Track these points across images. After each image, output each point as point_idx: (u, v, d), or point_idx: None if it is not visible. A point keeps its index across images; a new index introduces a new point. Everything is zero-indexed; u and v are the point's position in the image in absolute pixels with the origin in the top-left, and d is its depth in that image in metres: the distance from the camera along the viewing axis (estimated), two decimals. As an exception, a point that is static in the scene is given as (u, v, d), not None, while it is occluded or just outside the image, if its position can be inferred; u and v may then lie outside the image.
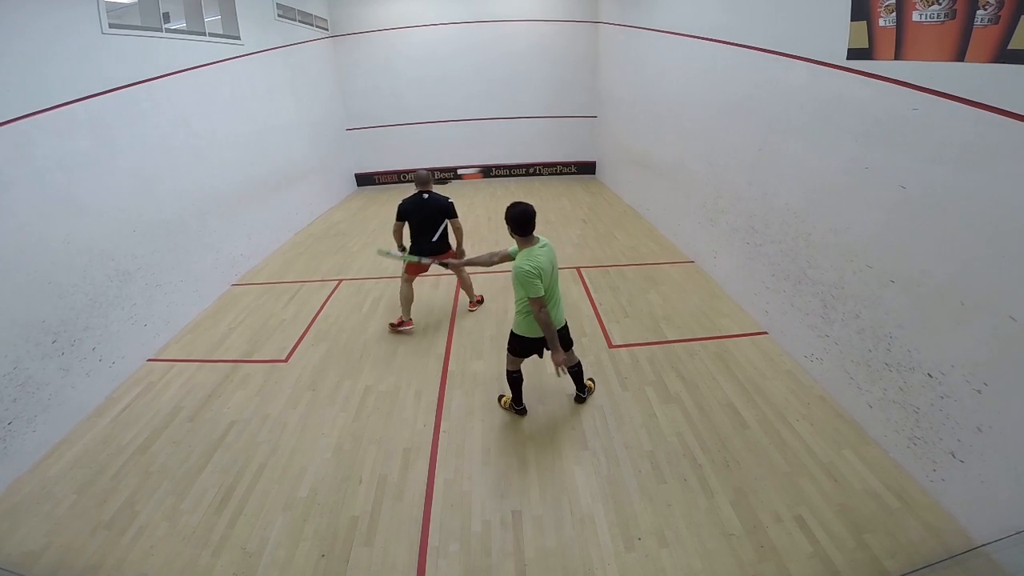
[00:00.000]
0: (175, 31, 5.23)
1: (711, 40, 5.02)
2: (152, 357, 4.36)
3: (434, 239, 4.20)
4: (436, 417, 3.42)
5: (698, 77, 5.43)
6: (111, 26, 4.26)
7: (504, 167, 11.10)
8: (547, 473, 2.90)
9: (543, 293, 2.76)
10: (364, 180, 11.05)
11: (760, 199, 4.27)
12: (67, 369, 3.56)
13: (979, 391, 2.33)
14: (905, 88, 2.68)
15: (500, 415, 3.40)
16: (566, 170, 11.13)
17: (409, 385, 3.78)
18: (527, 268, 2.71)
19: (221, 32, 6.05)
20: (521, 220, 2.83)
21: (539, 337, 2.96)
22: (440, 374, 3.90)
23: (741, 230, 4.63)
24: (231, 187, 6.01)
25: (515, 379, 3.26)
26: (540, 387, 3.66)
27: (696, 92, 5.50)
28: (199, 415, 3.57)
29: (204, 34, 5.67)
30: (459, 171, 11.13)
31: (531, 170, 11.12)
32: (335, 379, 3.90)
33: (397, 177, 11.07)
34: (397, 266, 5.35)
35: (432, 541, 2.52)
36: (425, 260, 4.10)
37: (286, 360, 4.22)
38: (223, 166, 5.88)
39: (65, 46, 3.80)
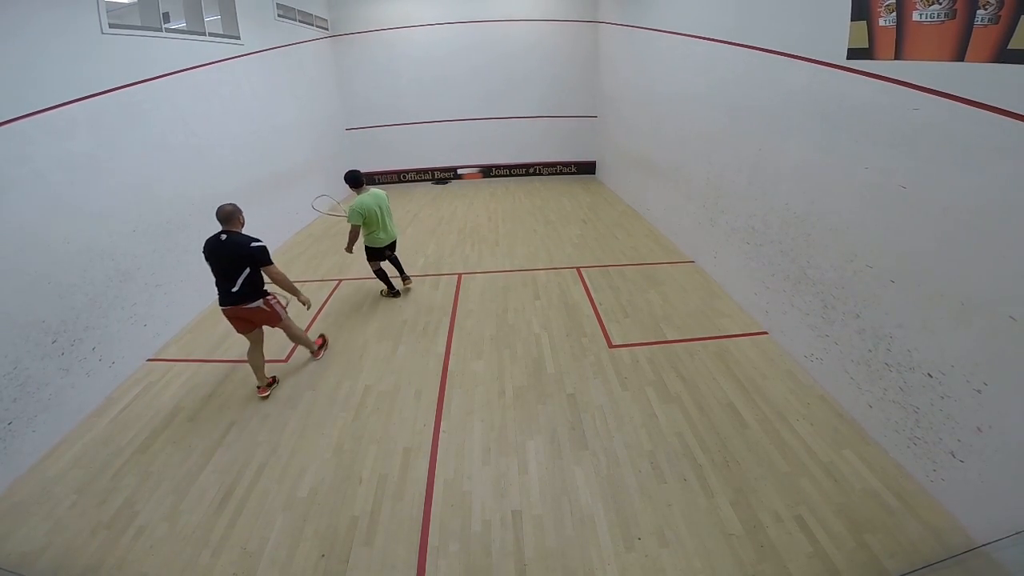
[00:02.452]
0: (175, 31, 5.23)
1: (711, 40, 5.02)
2: (152, 357, 4.36)
3: (234, 288, 3.41)
4: (436, 417, 3.42)
5: (698, 77, 5.43)
6: (111, 26, 4.25)
7: (504, 167, 11.11)
8: (547, 473, 2.90)
9: (359, 223, 4.71)
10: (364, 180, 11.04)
11: (760, 199, 4.27)
12: (67, 369, 3.56)
13: (979, 391, 2.33)
14: (905, 88, 2.68)
15: (500, 415, 3.40)
16: (566, 170, 11.14)
17: (409, 385, 3.78)
18: (352, 207, 4.66)
19: (221, 32, 6.05)
20: (351, 179, 4.75)
21: (379, 247, 4.96)
22: (440, 374, 3.90)
23: (741, 230, 4.63)
24: (231, 187, 5.99)
25: (380, 273, 5.21)
26: (540, 387, 3.66)
27: (696, 92, 5.50)
28: (199, 415, 3.57)
29: (204, 34, 5.67)
30: (459, 171, 11.14)
31: (531, 170, 11.13)
32: (335, 379, 3.90)
33: (397, 177, 11.08)
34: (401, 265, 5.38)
35: (432, 541, 2.52)
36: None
37: (286, 360, 4.22)
38: (223, 166, 5.88)
39: (65, 46, 3.80)
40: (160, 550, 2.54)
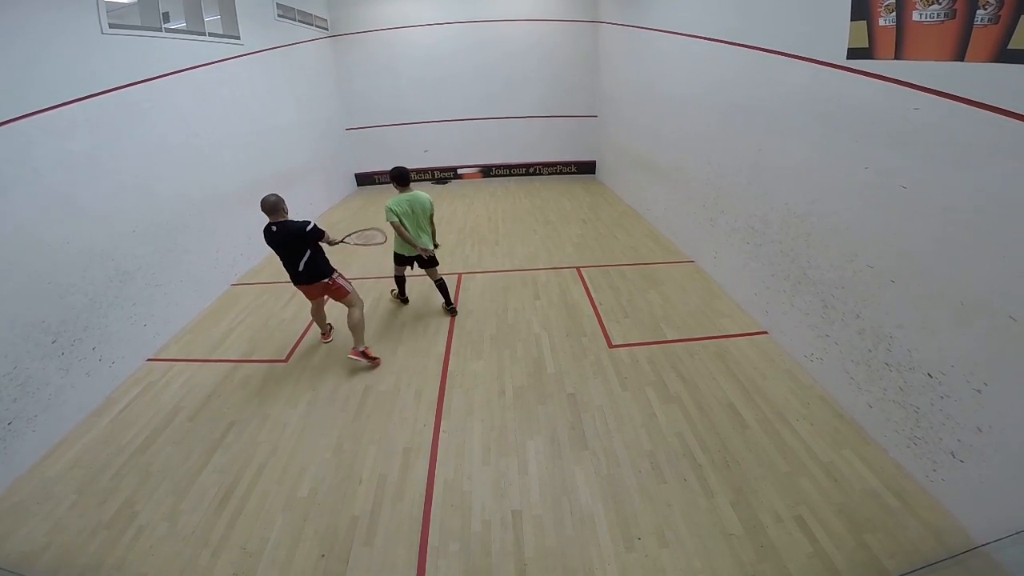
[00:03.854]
0: (175, 31, 5.23)
1: (711, 40, 5.02)
2: (152, 357, 4.36)
3: (299, 270, 3.79)
4: (436, 417, 3.42)
5: (698, 77, 5.43)
6: (111, 26, 4.25)
7: (504, 167, 11.10)
8: (547, 473, 2.90)
9: (395, 220, 4.29)
10: (364, 180, 11.06)
11: (760, 199, 4.27)
12: (67, 369, 3.56)
13: (979, 391, 2.33)
14: (905, 88, 2.68)
15: (500, 415, 3.40)
16: (566, 170, 11.13)
17: (409, 385, 3.78)
18: (388, 206, 4.30)
19: (221, 32, 6.05)
20: (395, 176, 4.36)
21: (408, 255, 4.57)
22: (440, 374, 3.90)
23: (741, 230, 4.63)
24: (231, 187, 6.01)
25: (399, 280, 4.94)
26: (540, 387, 3.66)
27: (696, 92, 5.50)
28: (199, 415, 3.57)
29: (204, 34, 5.67)
30: (459, 171, 11.14)
31: (531, 170, 11.13)
32: (335, 379, 3.90)
33: (397, 177, 11.07)
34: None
35: (432, 541, 2.52)
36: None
37: (286, 360, 4.22)
38: (223, 166, 5.88)
39: (65, 46, 3.80)
40: (160, 550, 2.54)
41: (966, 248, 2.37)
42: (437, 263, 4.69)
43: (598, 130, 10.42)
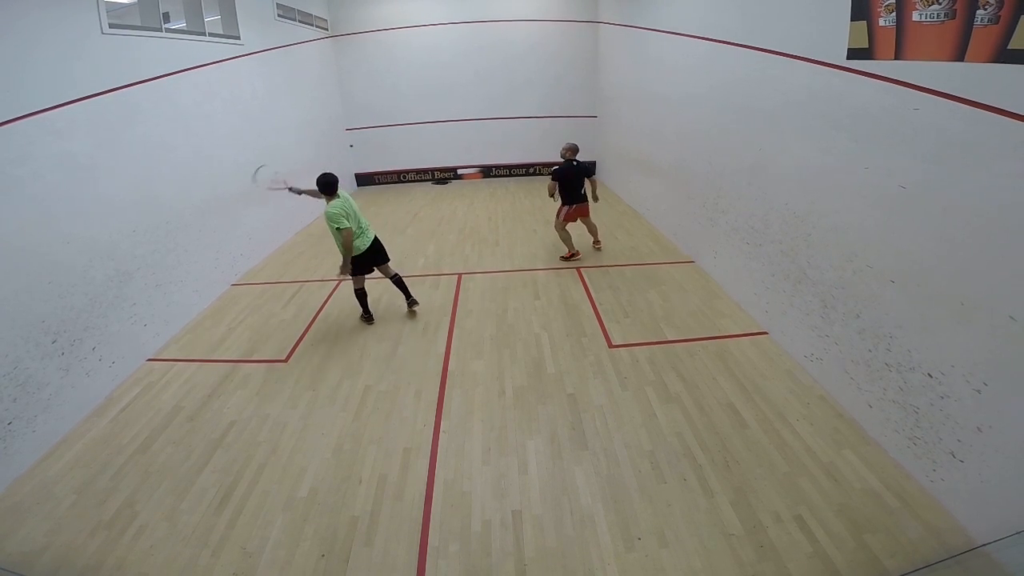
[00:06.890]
0: (175, 31, 5.24)
1: (711, 40, 5.02)
2: (152, 357, 4.37)
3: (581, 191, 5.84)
4: (436, 417, 3.42)
5: (698, 77, 5.43)
6: (111, 26, 4.26)
7: (504, 167, 11.10)
8: (547, 473, 2.90)
9: (350, 226, 4.16)
10: (364, 180, 11.05)
11: (760, 199, 4.27)
12: (67, 369, 3.56)
13: (979, 391, 2.33)
14: (905, 88, 2.68)
15: (500, 415, 3.40)
16: (566, 170, 11.12)
17: (409, 385, 3.78)
18: (332, 212, 4.10)
19: (221, 32, 6.06)
20: (327, 185, 4.21)
21: (359, 255, 4.36)
22: (440, 374, 3.90)
23: (741, 230, 4.63)
24: (231, 187, 6.00)
25: (361, 294, 4.64)
26: (540, 387, 3.66)
27: (696, 92, 5.50)
28: (199, 415, 3.57)
29: (204, 34, 5.67)
30: (459, 171, 11.13)
31: (531, 170, 11.12)
32: (335, 379, 3.90)
33: (397, 177, 11.07)
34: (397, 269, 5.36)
35: (432, 541, 2.52)
36: None
37: (286, 360, 4.22)
38: (223, 166, 5.87)
39: (65, 46, 3.80)
40: (160, 550, 2.54)
41: (966, 248, 2.37)
42: (388, 257, 4.67)
43: (598, 130, 10.42)
